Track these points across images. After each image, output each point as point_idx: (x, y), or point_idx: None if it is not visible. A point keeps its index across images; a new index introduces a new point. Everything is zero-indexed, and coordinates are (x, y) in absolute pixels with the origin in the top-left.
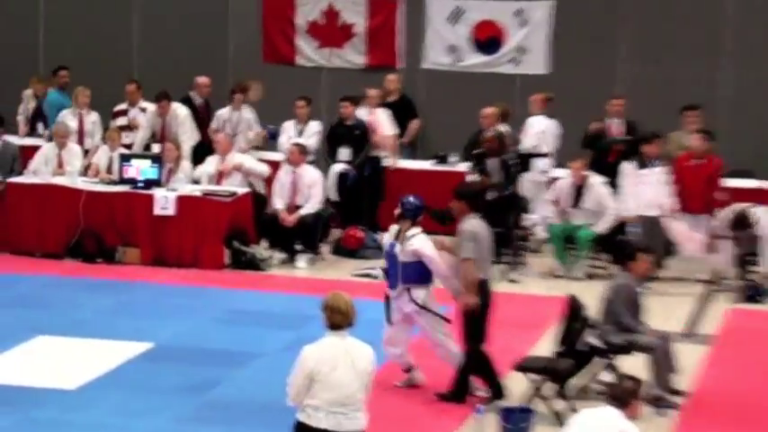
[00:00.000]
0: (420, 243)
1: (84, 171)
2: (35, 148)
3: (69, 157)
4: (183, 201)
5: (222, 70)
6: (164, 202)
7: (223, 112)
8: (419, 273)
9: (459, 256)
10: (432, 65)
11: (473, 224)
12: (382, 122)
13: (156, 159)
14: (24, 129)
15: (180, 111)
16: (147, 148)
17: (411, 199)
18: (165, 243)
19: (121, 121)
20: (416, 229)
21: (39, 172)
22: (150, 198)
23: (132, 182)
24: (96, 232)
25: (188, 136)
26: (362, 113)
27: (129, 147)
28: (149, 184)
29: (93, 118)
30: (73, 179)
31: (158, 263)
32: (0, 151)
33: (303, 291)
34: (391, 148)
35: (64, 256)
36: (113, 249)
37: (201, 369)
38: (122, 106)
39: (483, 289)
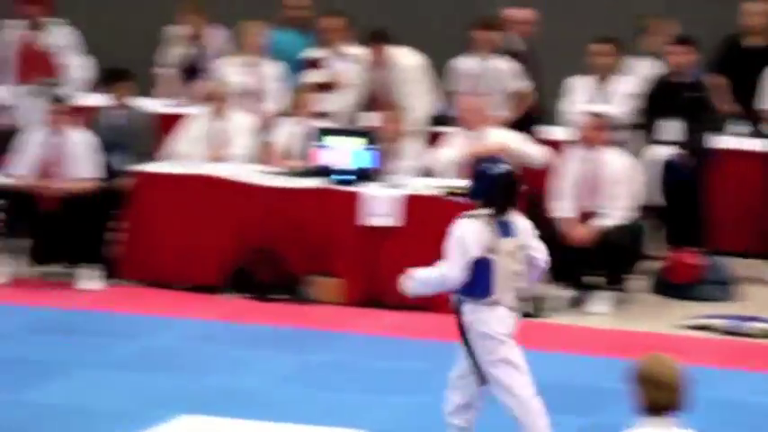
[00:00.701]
0: None
1: (258, 156)
2: (179, 119)
3: (233, 134)
4: (410, 203)
5: None
6: (379, 204)
7: (465, 63)
8: None
9: None
10: None
11: None
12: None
13: (370, 137)
14: (169, 88)
15: (406, 60)
16: (356, 119)
17: None
18: (381, 270)
19: (316, 76)
20: None
21: (186, 156)
22: (358, 198)
23: (331, 172)
24: (274, 253)
25: (420, 100)
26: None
27: (326, 117)
28: (359, 176)
29: (273, 71)
30: (238, 168)
31: (371, 302)
32: (124, 124)
33: (601, 350)
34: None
35: (223, 290)
36: (299, 280)
37: None
38: (318, 53)
39: None
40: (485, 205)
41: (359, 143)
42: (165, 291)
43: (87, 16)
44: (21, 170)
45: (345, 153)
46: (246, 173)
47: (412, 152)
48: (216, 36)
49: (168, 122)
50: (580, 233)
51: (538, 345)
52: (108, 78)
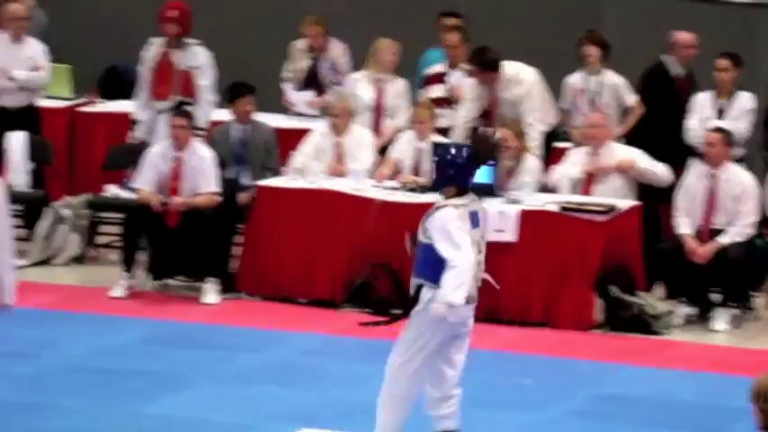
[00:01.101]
0: None
1: (378, 170)
2: (303, 134)
3: (354, 149)
4: (528, 219)
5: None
6: (499, 220)
7: (576, 79)
8: None
9: None
10: None
11: None
12: None
13: None
14: (293, 101)
15: (524, 75)
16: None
17: None
18: (501, 287)
19: (437, 91)
20: None
21: (306, 170)
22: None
23: None
24: (394, 268)
25: (537, 116)
26: None
27: (445, 132)
28: (478, 192)
29: (398, 88)
30: (359, 182)
31: (488, 318)
32: (247, 139)
33: (723, 368)
34: None
35: (343, 305)
36: (418, 295)
37: None
38: (438, 68)
39: None
40: (458, 194)
41: None
42: (284, 305)
43: (210, 32)
44: (142, 185)
45: None
46: (366, 188)
47: (531, 168)
48: (337, 49)
49: (291, 136)
50: (702, 250)
51: (659, 362)
52: (231, 93)
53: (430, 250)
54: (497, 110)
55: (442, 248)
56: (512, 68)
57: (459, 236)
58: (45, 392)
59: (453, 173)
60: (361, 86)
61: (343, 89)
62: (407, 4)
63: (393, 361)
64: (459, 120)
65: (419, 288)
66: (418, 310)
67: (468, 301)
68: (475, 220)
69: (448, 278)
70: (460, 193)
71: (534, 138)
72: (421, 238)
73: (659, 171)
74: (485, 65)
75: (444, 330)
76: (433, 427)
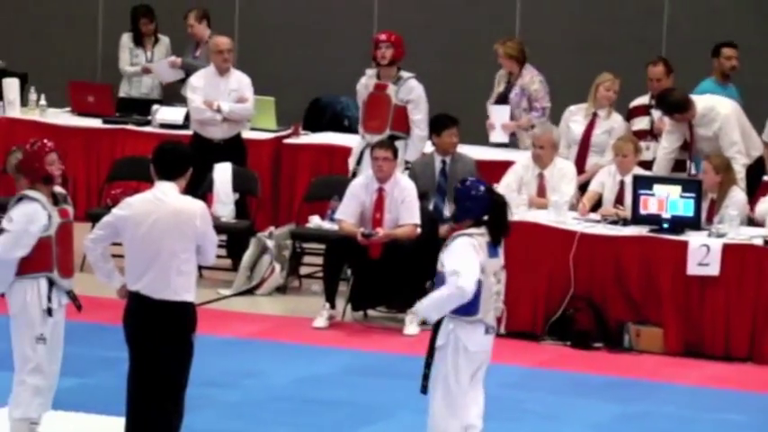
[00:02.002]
0: None
1: (580, 203)
2: (504, 165)
3: (556, 181)
4: (732, 253)
5: None
6: (703, 254)
7: None
8: None
9: None
10: None
11: None
12: None
13: (692, 186)
14: (491, 119)
15: (718, 109)
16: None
17: None
18: (703, 321)
19: (641, 123)
20: None
21: (509, 201)
22: (682, 247)
23: (654, 220)
24: (594, 301)
25: (738, 148)
26: None
27: (649, 165)
28: (680, 224)
29: (613, 123)
30: (560, 214)
31: (691, 352)
32: (450, 169)
33: None
34: None
35: (544, 337)
36: (621, 328)
37: None
38: (643, 100)
39: None
40: (474, 224)
41: (681, 191)
42: None
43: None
44: (345, 216)
45: (669, 201)
46: (568, 220)
47: (736, 201)
48: (528, 77)
49: (493, 168)
50: None
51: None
52: (435, 125)
53: (445, 279)
54: (695, 144)
55: (447, 268)
56: (705, 103)
57: (465, 263)
58: (249, 421)
59: (470, 205)
60: (574, 119)
61: (544, 119)
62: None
63: (436, 402)
64: (660, 152)
65: (440, 321)
66: (441, 344)
67: (487, 330)
68: (492, 250)
69: (435, 296)
70: (478, 224)
71: (738, 170)
72: (439, 267)
73: None
74: (670, 108)
75: (468, 360)
76: None
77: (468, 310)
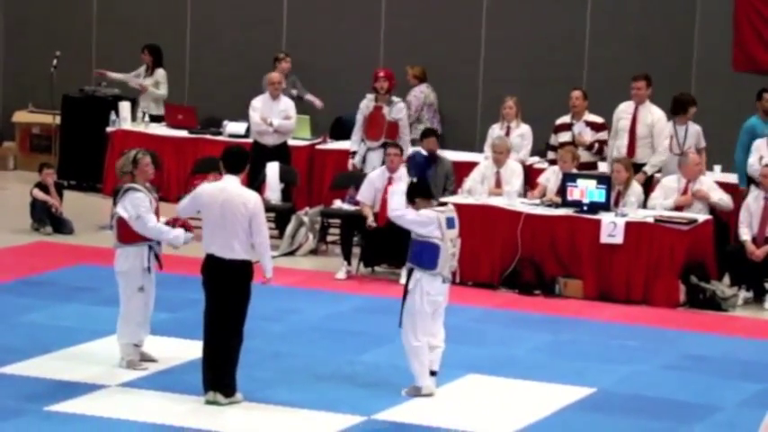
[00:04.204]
0: None
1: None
2: (472, 165)
3: (509, 177)
4: (632, 228)
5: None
6: (611, 228)
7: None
8: None
9: None
10: None
11: None
12: None
13: (604, 180)
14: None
15: (655, 113)
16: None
17: None
18: (612, 276)
19: (565, 136)
20: None
21: (474, 191)
22: (597, 224)
23: (577, 204)
24: (535, 261)
25: (653, 152)
26: None
27: (587, 166)
28: (596, 207)
29: (521, 131)
30: (511, 200)
31: (603, 297)
32: (431, 167)
33: None
34: None
35: (498, 287)
36: (553, 281)
37: (648, 422)
38: (565, 119)
39: None
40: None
41: (596, 184)
42: (457, 286)
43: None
44: (363, 199)
45: (585, 191)
46: (516, 204)
47: (634, 191)
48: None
49: (464, 167)
50: (758, 252)
51: (727, 331)
52: (422, 134)
53: (417, 244)
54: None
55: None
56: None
57: (422, 219)
58: (289, 344)
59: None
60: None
61: (498, 135)
62: None
63: (406, 327)
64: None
65: (411, 270)
66: (410, 288)
67: (443, 281)
68: (451, 223)
69: (400, 198)
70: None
71: (648, 170)
72: (413, 235)
73: (723, 202)
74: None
75: (429, 301)
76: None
77: (430, 265)
